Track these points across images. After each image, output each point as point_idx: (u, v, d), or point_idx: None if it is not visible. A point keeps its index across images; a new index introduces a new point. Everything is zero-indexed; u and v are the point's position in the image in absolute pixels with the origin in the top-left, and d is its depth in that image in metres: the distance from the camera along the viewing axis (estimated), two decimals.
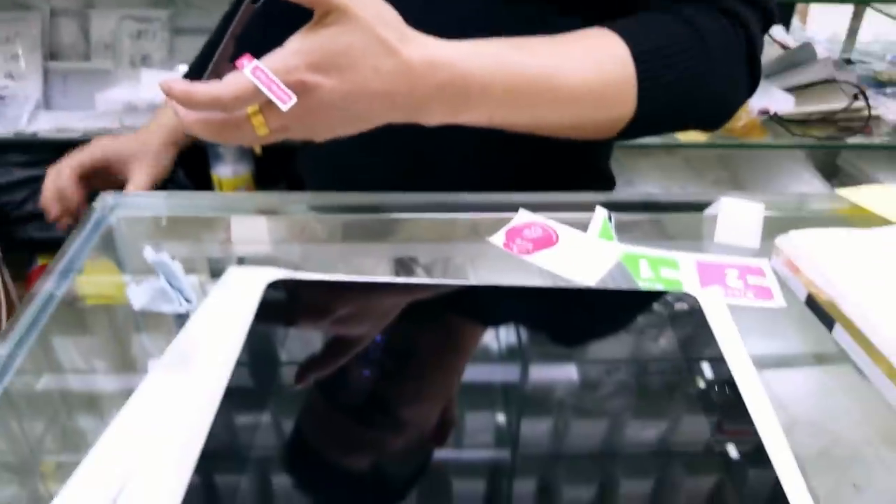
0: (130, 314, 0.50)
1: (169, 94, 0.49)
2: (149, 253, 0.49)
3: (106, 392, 0.39)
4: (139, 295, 0.48)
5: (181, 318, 0.47)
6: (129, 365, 0.41)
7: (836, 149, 1.63)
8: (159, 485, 0.34)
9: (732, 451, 0.38)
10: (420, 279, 0.55)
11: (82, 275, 0.52)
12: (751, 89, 0.65)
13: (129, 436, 0.38)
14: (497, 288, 0.51)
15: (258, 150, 1.67)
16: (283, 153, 1.07)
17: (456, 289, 0.52)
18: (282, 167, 0.98)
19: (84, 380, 0.46)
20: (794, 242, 0.53)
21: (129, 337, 0.50)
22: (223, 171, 1.58)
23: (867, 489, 0.39)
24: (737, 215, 0.58)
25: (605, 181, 0.81)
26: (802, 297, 0.51)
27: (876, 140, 1.50)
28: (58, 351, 0.47)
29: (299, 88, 0.48)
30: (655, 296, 0.51)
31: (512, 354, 0.46)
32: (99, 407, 0.38)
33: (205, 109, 0.49)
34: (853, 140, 1.50)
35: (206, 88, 0.47)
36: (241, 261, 0.55)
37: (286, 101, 0.47)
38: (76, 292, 0.51)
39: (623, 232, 0.59)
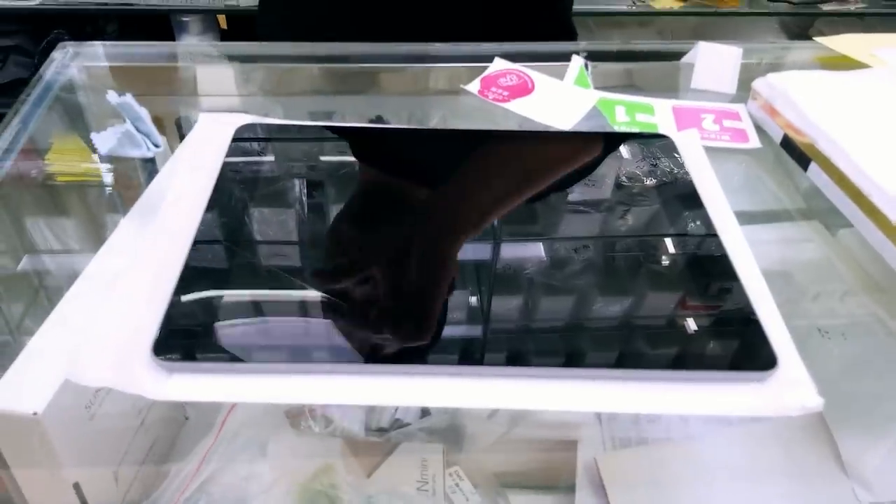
0: (103, 191, 0.48)
1: None
2: (112, 96, 0.47)
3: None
4: (105, 139, 0.47)
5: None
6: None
7: (811, 16, 1.61)
8: (125, 333, 0.33)
9: (712, 286, 0.38)
10: (392, 126, 0.54)
11: (51, 152, 0.50)
12: None
13: (96, 285, 0.37)
14: (476, 132, 0.50)
15: (223, 22, 1.61)
16: (248, 24, 1.02)
17: (432, 133, 0.51)
18: (247, 39, 0.94)
19: (62, 260, 0.45)
20: (771, 84, 0.53)
21: (104, 214, 0.48)
22: (188, 41, 1.53)
23: (833, 335, 0.39)
24: (715, 60, 0.58)
25: (568, 34, 0.79)
26: (778, 139, 0.51)
27: (851, 7, 1.48)
28: (32, 232, 0.46)
29: None
30: (631, 137, 0.50)
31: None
32: None
33: None
34: (828, 7, 1.47)
35: None
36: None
37: None
38: (46, 171, 0.49)
39: (599, 81, 0.58)
